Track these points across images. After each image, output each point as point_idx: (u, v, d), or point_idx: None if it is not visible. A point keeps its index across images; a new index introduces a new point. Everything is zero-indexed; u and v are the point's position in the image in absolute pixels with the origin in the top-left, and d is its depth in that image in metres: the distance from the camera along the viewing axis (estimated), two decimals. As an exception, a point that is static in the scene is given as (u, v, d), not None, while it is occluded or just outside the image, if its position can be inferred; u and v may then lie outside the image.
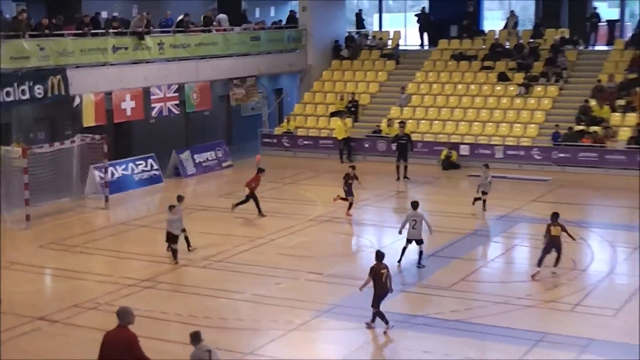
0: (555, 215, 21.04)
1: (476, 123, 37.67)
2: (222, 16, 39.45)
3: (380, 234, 26.57)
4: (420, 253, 21.89)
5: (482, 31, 44.86)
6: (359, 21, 48.44)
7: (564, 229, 20.89)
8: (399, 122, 35.63)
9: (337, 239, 25.70)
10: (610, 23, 43.71)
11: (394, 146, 34.35)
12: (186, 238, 23.03)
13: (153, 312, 18.46)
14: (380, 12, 50.05)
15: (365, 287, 17.68)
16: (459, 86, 40.24)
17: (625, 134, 34.79)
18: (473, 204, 27.80)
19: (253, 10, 45.70)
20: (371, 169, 35.46)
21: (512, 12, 44.68)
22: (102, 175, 29.97)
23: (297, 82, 44.25)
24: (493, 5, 48.76)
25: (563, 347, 16.55)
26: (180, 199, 23.23)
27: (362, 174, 34.15)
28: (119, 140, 35.20)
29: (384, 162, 36.38)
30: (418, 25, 45.99)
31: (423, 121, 38.51)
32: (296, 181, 33.58)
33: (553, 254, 20.78)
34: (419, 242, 21.78)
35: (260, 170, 27.92)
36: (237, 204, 27.59)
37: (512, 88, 38.97)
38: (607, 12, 45.16)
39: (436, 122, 38.37)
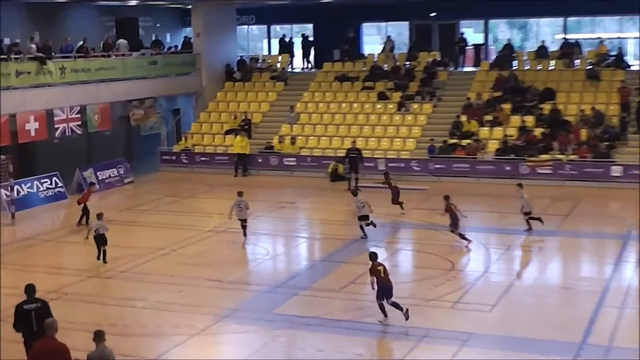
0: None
1: (360, 138, 37.63)
2: (122, 42, 38.75)
3: (274, 242, 26.21)
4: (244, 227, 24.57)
5: (362, 55, 45.12)
6: (284, 45, 46.61)
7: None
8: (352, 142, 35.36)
9: (234, 248, 25.15)
10: (476, 47, 44.52)
11: (346, 161, 34.32)
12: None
13: (59, 322, 17.60)
14: (268, 37, 49.86)
15: (375, 285, 17.36)
16: (343, 105, 40.27)
17: (493, 146, 35.35)
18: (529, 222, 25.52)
19: (149, 37, 44.99)
20: (264, 183, 35.27)
21: (388, 37, 45.08)
22: (8, 193, 28.85)
23: (192, 102, 43.61)
24: (371, 31, 49.17)
25: (446, 342, 16.48)
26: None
27: (256, 188, 34.00)
28: (23, 159, 33.98)
29: (275, 176, 36.25)
30: (304, 49, 45.99)
31: (311, 137, 38.43)
32: (193, 195, 32.97)
33: None
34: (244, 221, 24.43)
35: (92, 184, 29.34)
36: (80, 222, 27.26)
37: (391, 106, 39.22)
38: (473, 37, 45.95)
39: (323, 138, 38.29)
